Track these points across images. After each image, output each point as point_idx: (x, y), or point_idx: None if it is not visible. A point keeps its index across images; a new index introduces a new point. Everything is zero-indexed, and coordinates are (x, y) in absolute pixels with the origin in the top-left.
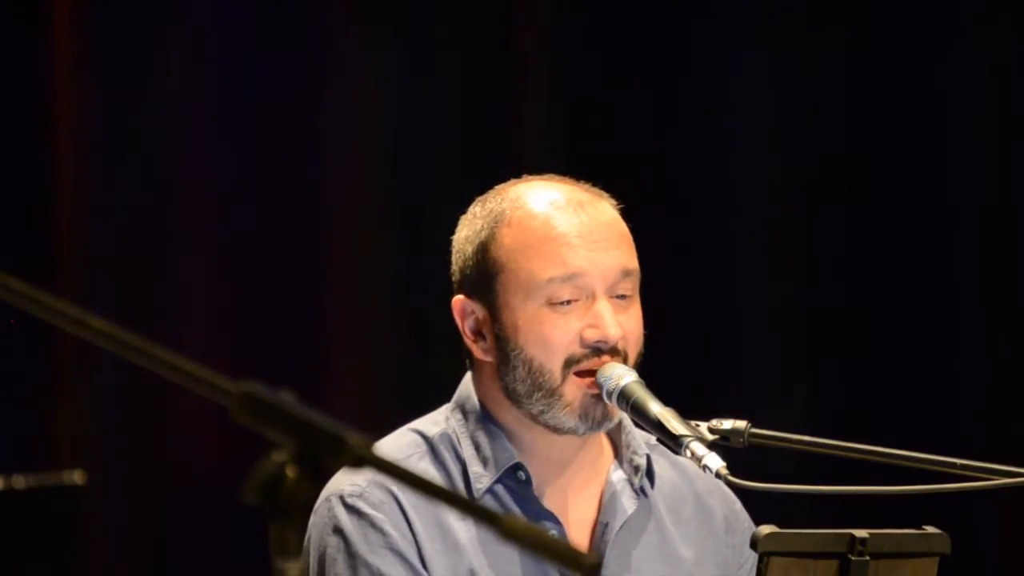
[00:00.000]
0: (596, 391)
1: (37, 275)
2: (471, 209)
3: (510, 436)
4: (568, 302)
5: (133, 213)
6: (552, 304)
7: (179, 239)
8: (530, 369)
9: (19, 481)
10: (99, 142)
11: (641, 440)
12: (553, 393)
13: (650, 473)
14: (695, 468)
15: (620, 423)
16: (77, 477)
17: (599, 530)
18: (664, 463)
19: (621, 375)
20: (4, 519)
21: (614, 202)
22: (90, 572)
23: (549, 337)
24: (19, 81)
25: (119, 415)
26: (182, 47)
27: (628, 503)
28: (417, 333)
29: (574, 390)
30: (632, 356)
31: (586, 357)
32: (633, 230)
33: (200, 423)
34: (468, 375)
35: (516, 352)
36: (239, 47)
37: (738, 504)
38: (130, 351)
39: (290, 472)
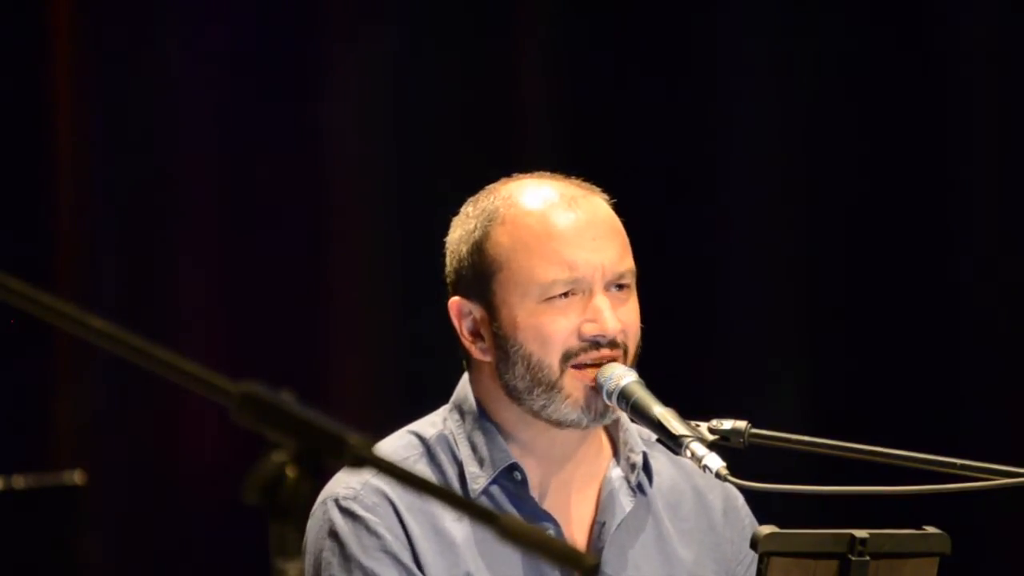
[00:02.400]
0: (594, 384)
1: (37, 273)
2: (463, 209)
3: (509, 435)
4: (566, 295)
5: (133, 212)
6: (550, 300)
7: (179, 238)
8: (529, 365)
9: (19, 481)
10: (99, 140)
11: (638, 438)
12: (553, 387)
13: (648, 471)
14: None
15: (619, 421)
16: (77, 477)
17: (596, 529)
18: (663, 460)
19: (621, 375)
20: (4, 519)
21: (606, 196)
22: (90, 572)
23: (547, 332)
24: (18, 80)
25: (119, 415)
26: (182, 46)
27: (625, 501)
28: (417, 334)
29: (573, 383)
30: (632, 349)
31: (584, 350)
32: (633, 228)
33: (200, 423)
34: (465, 376)
35: (515, 349)
36: (239, 45)
37: (740, 500)
38: (130, 351)
39: (290, 472)
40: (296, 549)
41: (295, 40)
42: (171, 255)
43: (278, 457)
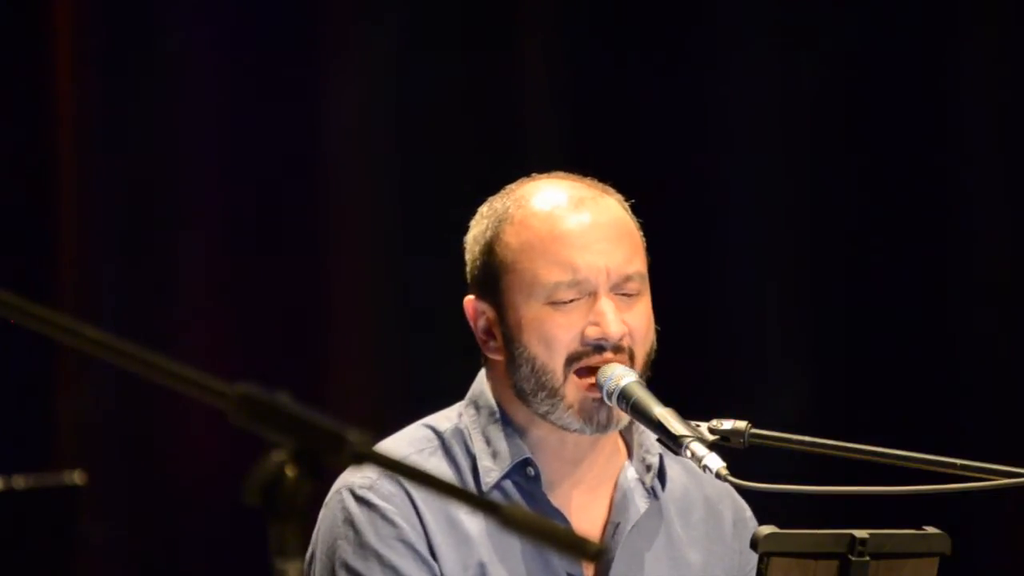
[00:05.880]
0: (597, 393)
1: (37, 273)
2: (479, 209)
3: (522, 433)
4: (570, 300)
5: (133, 214)
6: (555, 303)
7: (180, 239)
8: (533, 367)
9: (19, 481)
10: (99, 139)
11: (655, 440)
12: (555, 393)
13: (662, 475)
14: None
15: (632, 423)
16: (77, 477)
17: (610, 530)
18: (676, 466)
19: (621, 375)
20: (4, 519)
21: (620, 197)
22: (90, 572)
23: (551, 335)
24: (18, 80)
25: (119, 415)
26: (183, 45)
27: (640, 503)
28: (419, 333)
29: (575, 391)
30: (640, 353)
31: (587, 354)
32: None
33: (200, 422)
34: (482, 372)
35: (520, 351)
36: (241, 47)
37: (748, 512)
38: (126, 359)
39: (289, 472)
40: (296, 549)
41: (297, 39)
42: (171, 256)
43: (277, 457)
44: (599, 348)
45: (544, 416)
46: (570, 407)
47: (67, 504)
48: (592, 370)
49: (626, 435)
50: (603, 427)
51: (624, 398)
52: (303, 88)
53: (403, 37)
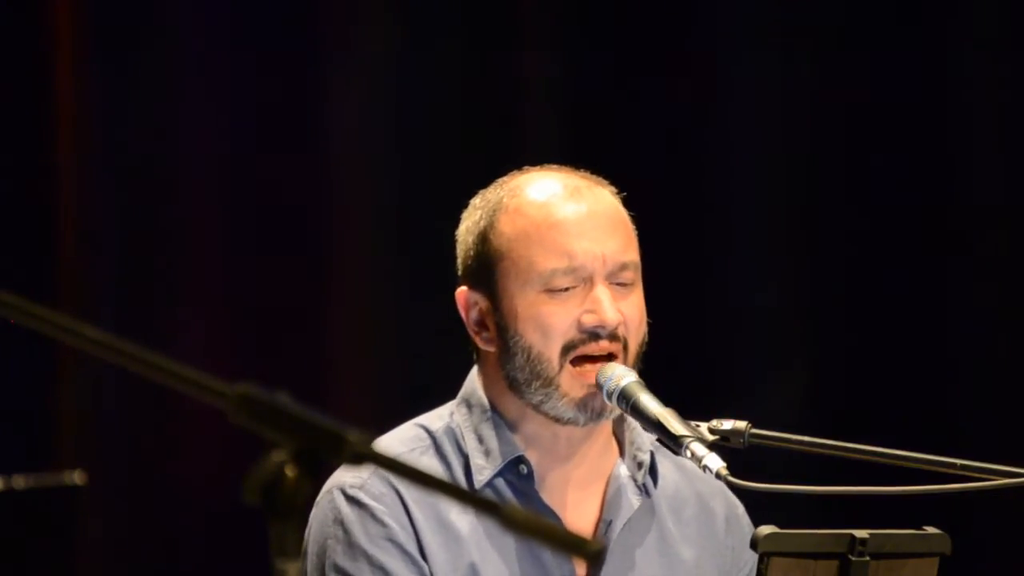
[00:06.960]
0: (591, 381)
1: (38, 273)
2: (472, 201)
3: (514, 428)
4: (566, 289)
5: (133, 213)
6: (550, 291)
7: (180, 239)
8: (529, 356)
9: (19, 481)
10: (99, 139)
11: (646, 438)
12: (551, 383)
13: (653, 472)
14: (698, 469)
15: (625, 419)
16: (77, 477)
17: (601, 528)
18: (668, 463)
19: (621, 375)
20: (4, 519)
21: (614, 189)
22: (90, 572)
23: (547, 323)
24: (18, 78)
25: (119, 415)
26: (182, 46)
27: (632, 500)
28: (419, 333)
29: (570, 381)
30: (633, 344)
31: (583, 342)
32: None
33: (200, 422)
34: (474, 370)
35: (515, 339)
36: (240, 47)
37: (740, 508)
38: (125, 359)
39: (289, 471)
40: (296, 549)
41: (296, 40)
42: (171, 256)
43: (277, 457)
44: (595, 336)
45: (537, 407)
46: (564, 396)
47: (67, 504)
48: (587, 359)
49: (618, 433)
50: (596, 415)
51: (624, 398)
52: (303, 88)
53: (403, 37)
